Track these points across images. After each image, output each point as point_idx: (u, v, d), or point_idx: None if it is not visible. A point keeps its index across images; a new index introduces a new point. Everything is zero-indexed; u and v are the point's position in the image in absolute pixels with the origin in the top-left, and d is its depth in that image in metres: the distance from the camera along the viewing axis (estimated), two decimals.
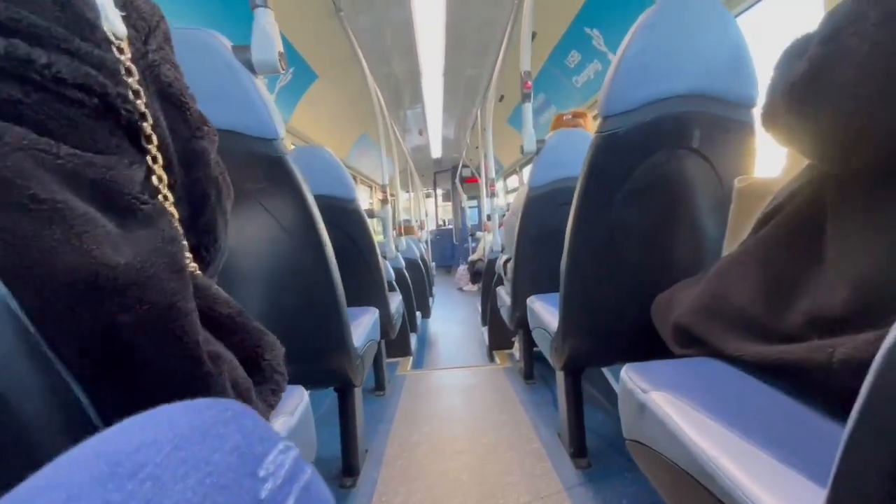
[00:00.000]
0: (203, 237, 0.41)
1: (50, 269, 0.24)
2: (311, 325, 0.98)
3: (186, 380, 0.31)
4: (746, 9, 1.56)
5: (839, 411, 0.47)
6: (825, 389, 0.49)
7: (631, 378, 0.63)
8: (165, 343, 0.29)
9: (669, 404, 0.54)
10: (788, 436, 0.46)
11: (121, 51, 0.31)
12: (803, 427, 0.47)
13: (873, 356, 0.29)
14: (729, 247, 0.83)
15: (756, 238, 0.65)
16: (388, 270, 2.03)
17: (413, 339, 2.61)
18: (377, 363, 1.82)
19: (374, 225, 3.41)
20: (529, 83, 1.67)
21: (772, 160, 0.91)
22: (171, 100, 0.37)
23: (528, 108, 1.66)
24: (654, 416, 0.55)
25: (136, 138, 0.32)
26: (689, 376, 0.61)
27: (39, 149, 0.25)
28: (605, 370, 1.68)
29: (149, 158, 0.33)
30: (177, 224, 0.35)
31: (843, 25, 0.44)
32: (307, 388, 0.68)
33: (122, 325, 0.27)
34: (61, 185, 0.25)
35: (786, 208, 0.61)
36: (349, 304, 1.05)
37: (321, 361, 1.02)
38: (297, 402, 0.61)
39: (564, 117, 1.74)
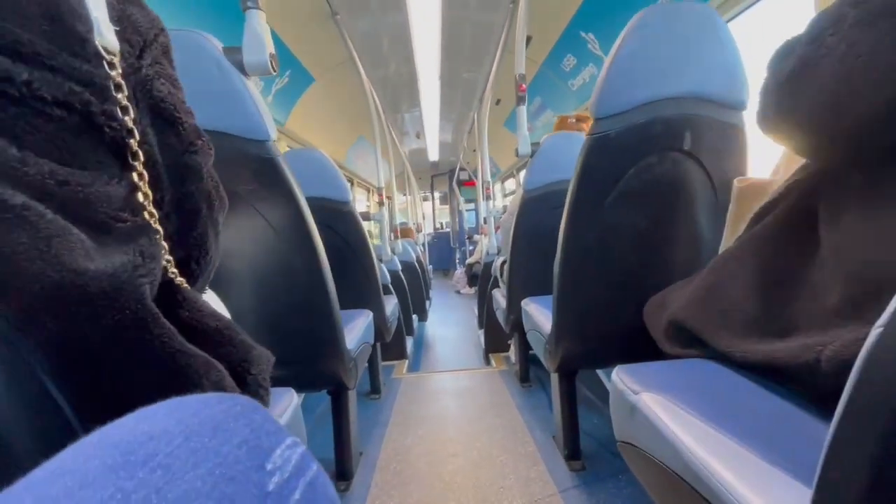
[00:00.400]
0: (193, 251, 0.40)
1: (13, 274, 0.24)
2: (304, 328, 0.97)
3: (167, 388, 0.30)
4: (738, 14, 1.57)
5: (828, 411, 0.47)
6: (814, 389, 0.49)
7: (622, 379, 0.63)
8: (142, 353, 0.29)
9: (659, 405, 0.54)
10: (778, 436, 0.46)
11: (111, 66, 0.31)
12: (793, 427, 0.47)
13: (857, 357, 0.29)
14: (726, 246, 0.83)
15: (751, 234, 0.65)
16: (383, 273, 2.03)
17: (409, 342, 2.60)
18: (372, 366, 1.81)
19: (370, 227, 3.41)
20: (524, 86, 1.68)
21: (763, 162, 0.91)
22: (164, 115, 0.37)
23: (523, 111, 1.66)
24: (644, 417, 0.55)
25: (121, 154, 0.32)
26: (680, 377, 0.61)
27: (11, 165, 0.25)
28: (599, 372, 1.68)
29: (134, 174, 0.33)
30: (160, 241, 0.34)
31: (826, 26, 0.46)
32: (300, 391, 0.67)
33: (94, 333, 0.26)
34: (31, 199, 0.25)
35: (780, 205, 0.62)
36: (343, 307, 1.04)
37: (314, 364, 1.01)
38: (286, 405, 0.60)
39: (569, 120, 1.73)
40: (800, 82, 0.49)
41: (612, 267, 0.94)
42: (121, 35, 0.33)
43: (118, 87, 0.31)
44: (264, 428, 0.21)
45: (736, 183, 0.81)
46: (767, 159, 0.81)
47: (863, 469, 0.27)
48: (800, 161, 0.63)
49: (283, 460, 0.20)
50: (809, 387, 0.49)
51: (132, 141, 0.32)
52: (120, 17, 0.34)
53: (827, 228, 0.53)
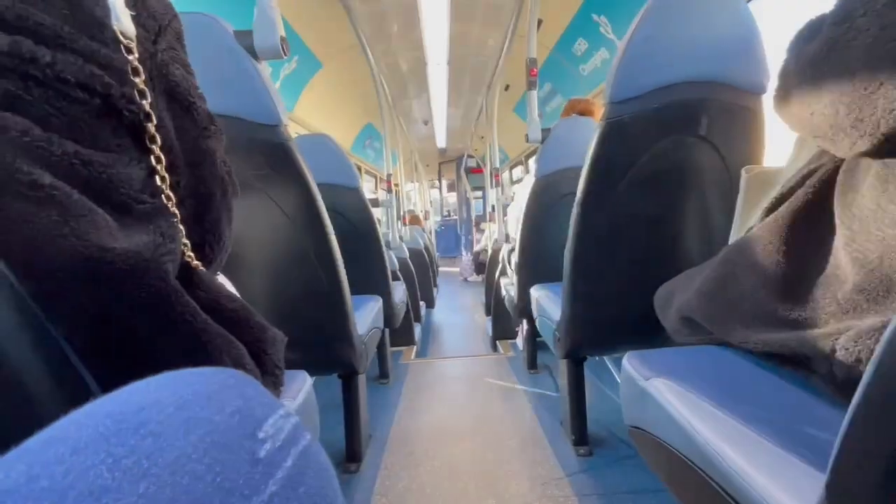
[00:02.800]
0: (207, 235, 0.41)
1: (44, 249, 0.24)
2: (315, 313, 0.98)
3: (190, 363, 0.31)
4: None
5: (842, 399, 0.47)
6: (828, 378, 0.48)
7: (632, 365, 0.63)
8: (166, 328, 0.30)
9: (670, 391, 0.54)
10: (790, 423, 0.46)
11: (129, 50, 0.31)
12: (805, 414, 0.47)
13: (874, 346, 0.29)
14: (736, 236, 0.82)
15: (764, 223, 0.64)
16: (391, 260, 2.03)
17: (417, 328, 2.62)
18: (381, 352, 1.83)
19: (378, 215, 3.43)
20: (535, 70, 1.65)
21: (780, 149, 0.89)
22: (179, 99, 0.37)
23: (534, 95, 1.64)
24: (654, 402, 0.55)
25: (139, 137, 0.33)
26: (691, 364, 0.61)
27: (37, 144, 0.25)
28: (606, 359, 1.68)
29: (152, 158, 0.33)
30: (177, 223, 0.35)
31: (856, 6, 0.44)
32: (311, 374, 0.68)
33: (120, 308, 0.27)
34: (58, 179, 0.26)
35: (795, 193, 0.61)
36: (352, 293, 1.05)
37: (325, 348, 1.03)
38: (299, 387, 0.61)
39: (574, 111, 1.67)
40: (826, 65, 0.47)
41: (623, 253, 0.94)
42: (136, 20, 0.33)
43: (136, 71, 0.32)
44: (257, 399, 0.22)
45: (744, 172, 0.79)
46: (785, 145, 0.80)
47: (879, 455, 0.27)
48: (812, 150, 0.62)
49: (276, 429, 0.21)
50: (823, 375, 0.49)
51: (150, 124, 0.33)
52: (135, 3, 0.34)
53: (842, 218, 0.52)
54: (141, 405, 0.18)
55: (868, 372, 0.29)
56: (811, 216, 0.57)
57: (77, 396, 0.29)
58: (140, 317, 0.28)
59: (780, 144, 0.89)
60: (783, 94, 0.55)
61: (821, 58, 0.47)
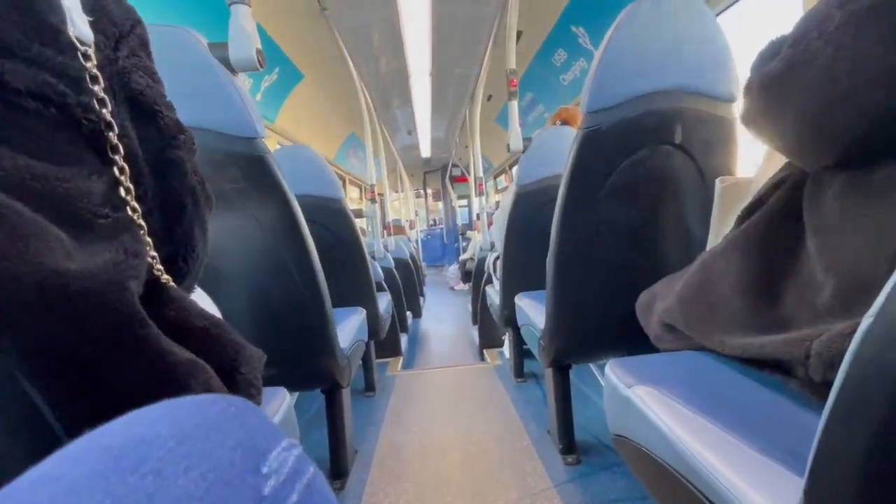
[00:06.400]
0: (179, 248, 0.39)
1: None
2: (296, 327, 0.97)
3: (153, 391, 0.29)
4: (727, 7, 1.57)
5: (820, 403, 0.48)
6: (805, 382, 0.49)
7: (615, 373, 0.63)
8: (126, 355, 0.28)
9: (653, 398, 0.54)
10: (769, 428, 0.46)
11: (86, 57, 0.30)
12: (784, 418, 0.48)
13: (846, 349, 0.29)
14: (712, 245, 0.84)
15: (738, 231, 0.66)
16: (376, 270, 2.02)
17: (403, 339, 2.60)
18: (366, 364, 1.81)
19: (363, 225, 3.41)
20: (515, 81, 1.67)
21: (753, 155, 0.92)
22: (143, 108, 0.35)
23: (514, 106, 1.66)
24: (637, 410, 0.55)
25: (100, 148, 0.31)
26: (673, 370, 0.61)
27: None
28: (592, 366, 1.69)
29: (115, 169, 0.32)
30: (144, 236, 0.33)
31: (811, 27, 0.45)
32: (294, 390, 0.67)
33: (77, 336, 0.26)
34: (7, 196, 0.24)
35: (768, 201, 0.62)
36: (336, 305, 1.04)
37: (307, 363, 1.01)
38: (278, 405, 0.60)
39: (557, 121, 1.68)
40: (786, 85, 0.49)
41: (604, 261, 0.94)
42: (95, 26, 0.32)
43: (94, 79, 0.30)
44: (260, 430, 0.21)
45: (718, 183, 0.81)
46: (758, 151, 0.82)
47: (854, 458, 0.28)
48: (782, 159, 0.63)
49: (279, 463, 0.20)
50: (800, 379, 0.50)
51: (111, 134, 0.31)
52: (94, 8, 0.32)
53: (811, 224, 0.54)
54: (140, 438, 0.17)
55: (839, 376, 0.30)
56: (783, 223, 0.59)
57: (35, 432, 0.27)
58: (97, 344, 0.26)
59: (754, 150, 0.92)
60: (749, 111, 0.57)
61: (782, 77, 0.49)
